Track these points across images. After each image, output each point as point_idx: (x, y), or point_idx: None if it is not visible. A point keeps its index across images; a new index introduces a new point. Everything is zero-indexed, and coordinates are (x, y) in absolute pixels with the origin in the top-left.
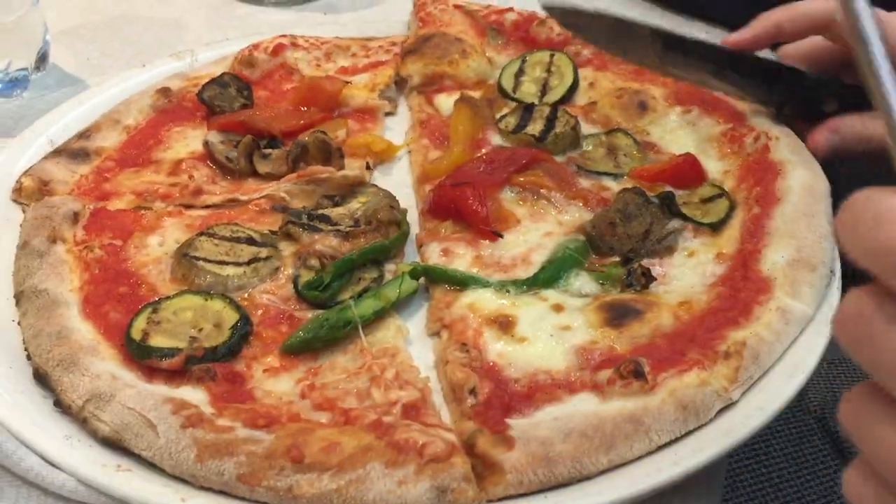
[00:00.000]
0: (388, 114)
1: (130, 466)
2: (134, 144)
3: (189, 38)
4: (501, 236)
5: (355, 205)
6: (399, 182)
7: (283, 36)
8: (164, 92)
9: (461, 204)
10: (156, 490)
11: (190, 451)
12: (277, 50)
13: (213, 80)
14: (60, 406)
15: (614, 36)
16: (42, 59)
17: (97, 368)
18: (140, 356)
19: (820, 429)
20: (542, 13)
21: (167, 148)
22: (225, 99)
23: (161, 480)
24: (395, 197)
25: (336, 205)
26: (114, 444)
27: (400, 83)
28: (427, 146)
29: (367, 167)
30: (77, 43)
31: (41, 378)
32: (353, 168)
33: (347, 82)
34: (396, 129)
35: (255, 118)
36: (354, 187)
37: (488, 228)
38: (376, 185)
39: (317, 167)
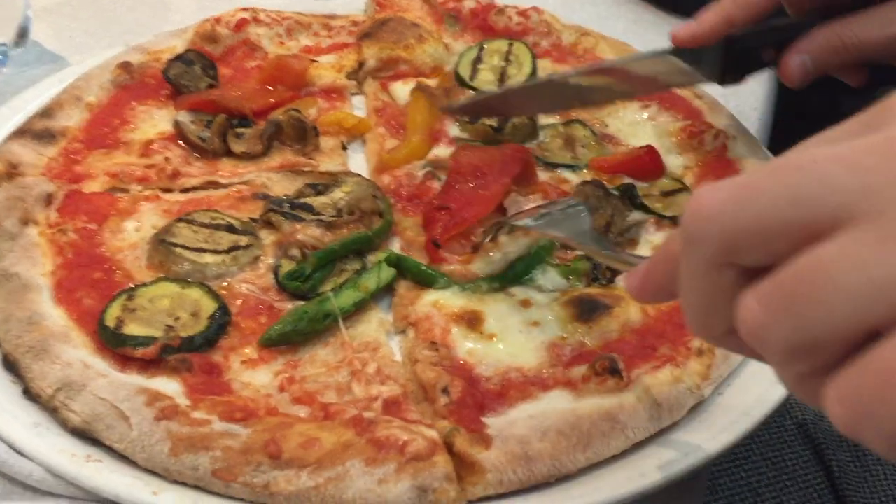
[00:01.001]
0: (354, 94)
1: (101, 457)
2: (98, 124)
3: (175, 18)
4: (439, 247)
5: (338, 194)
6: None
7: (245, 9)
8: (126, 67)
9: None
10: (126, 482)
11: (164, 445)
12: (240, 25)
13: (177, 58)
14: (30, 394)
15: (537, 100)
16: (22, 34)
17: (69, 356)
18: (114, 344)
19: (801, 435)
20: (499, 2)
21: (134, 128)
22: (191, 78)
23: (132, 472)
24: (378, 186)
25: (319, 193)
26: (85, 435)
27: (363, 65)
28: (383, 135)
29: (343, 147)
30: (60, 20)
31: (11, 365)
32: (327, 145)
33: (314, 61)
34: (364, 108)
35: (225, 97)
36: (337, 176)
37: (432, 242)
38: (360, 175)
39: (299, 159)
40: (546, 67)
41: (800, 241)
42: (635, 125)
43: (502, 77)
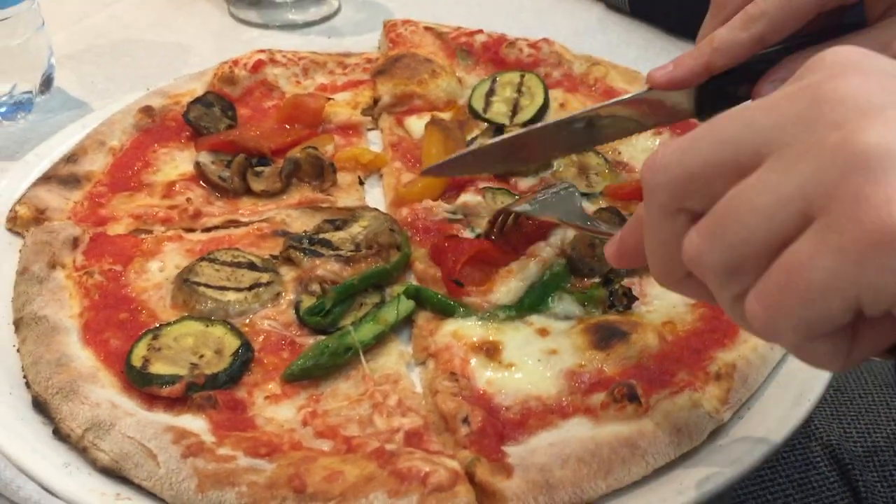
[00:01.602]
0: (370, 129)
1: (130, 495)
2: (121, 167)
3: (194, 61)
4: (462, 285)
5: (356, 229)
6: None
7: (262, 51)
8: (147, 111)
9: (443, 258)
10: None
11: (191, 482)
12: (257, 66)
13: (197, 100)
14: (59, 435)
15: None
16: (47, 82)
17: (97, 396)
18: (140, 384)
19: (826, 456)
20: (511, 35)
21: (156, 170)
22: (210, 119)
23: None
24: (395, 220)
25: (337, 229)
26: (113, 473)
27: (378, 101)
28: (399, 169)
29: (360, 182)
30: (82, 66)
31: (40, 406)
32: (345, 181)
33: (330, 98)
34: (380, 143)
35: (243, 137)
36: (355, 211)
37: (451, 280)
38: (377, 209)
39: (318, 196)
40: (558, 97)
41: (732, 179)
42: (648, 152)
43: (515, 108)
